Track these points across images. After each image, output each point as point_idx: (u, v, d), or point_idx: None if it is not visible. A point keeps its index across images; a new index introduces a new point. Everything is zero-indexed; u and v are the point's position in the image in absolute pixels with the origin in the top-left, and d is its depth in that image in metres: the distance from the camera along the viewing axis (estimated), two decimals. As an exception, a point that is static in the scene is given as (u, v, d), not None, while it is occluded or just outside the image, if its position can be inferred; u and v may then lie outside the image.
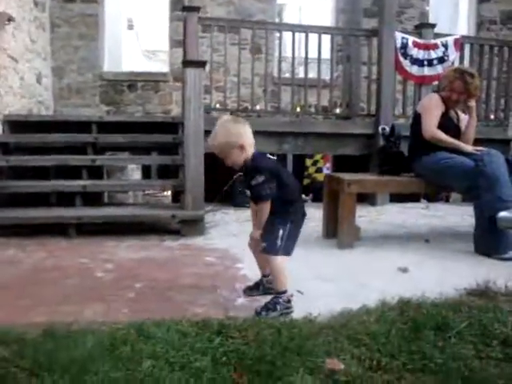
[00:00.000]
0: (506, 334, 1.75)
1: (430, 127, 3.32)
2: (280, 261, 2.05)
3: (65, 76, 7.19)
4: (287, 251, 2.06)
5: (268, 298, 2.08)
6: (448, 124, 3.39)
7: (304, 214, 2.18)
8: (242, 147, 2.04)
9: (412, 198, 5.39)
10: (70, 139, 4.40)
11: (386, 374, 1.49)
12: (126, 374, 1.44)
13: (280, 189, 2.06)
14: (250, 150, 2.08)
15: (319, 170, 9.51)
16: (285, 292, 2.05)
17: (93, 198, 4.35)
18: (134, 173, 8.93)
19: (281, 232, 2.04)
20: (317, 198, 7.07)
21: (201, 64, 3.98)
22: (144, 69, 11.61)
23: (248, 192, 2.14)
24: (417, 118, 3.48)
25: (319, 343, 1.64)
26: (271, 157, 2.15)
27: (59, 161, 4.13)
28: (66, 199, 3.98)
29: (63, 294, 2.29)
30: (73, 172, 4.10)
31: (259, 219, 2.09)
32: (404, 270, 2.73)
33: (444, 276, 2.61)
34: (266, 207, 2.05)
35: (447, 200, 6.63)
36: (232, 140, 2.03)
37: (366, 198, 5.10)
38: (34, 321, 1.92)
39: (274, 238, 2.04)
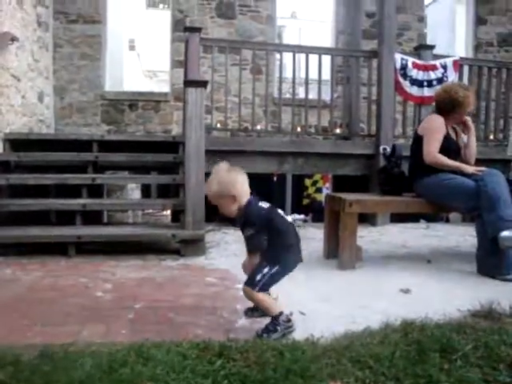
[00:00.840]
0: (512, 356, 1.71)
1: (432, 152, 3.30)
2: (255, 294, 2.00)
3: (66, 95, 7.24)
4: (264, 289, 2.01)
5: (268, 319, 2.04)
6: (449, 145, 3.37)
7: (298, 260, 2.12)
8: (233, 198, 2.03)
9: (412, 217, 5.38)
10: (71, 158, 4.39)
11: (391, 398, 1.46)
12: (126, 397, 1.41)
13: (273, 236, 2.03)
14: (244, 200, 2.06)
15: (319, 190, 9.53)
16: (281, 314, 2.02)
17: (92, 217, 4.33)
18: (134, 192, 8.93)
19: (266, 270, 1.99)
20: (317, 218, 7.07)
21: (202, 83, 3.99)
22: (145, 89, 11.71)
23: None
24: (418, 140, 3.45)
25: (322, 366, 1.61)
26: (264, 204, 2.12)
27: (59, 179, 4.13)
28: (66, 218, 3.96)
29: (62, 314, 2.25)
30: (73, 191, 4.09)
31: (250, 266, 2.10)
32: (406, 291, 2.70)
33: (447, 297, 2.58)
34: (256, 257, 2.06)
35: (447, 220, 6.61)
36: (224, 190, 2.03)
37: (367, 219, 5.09)
38: (31, 341, 1.88)
39: (256, 271, 2.01)
